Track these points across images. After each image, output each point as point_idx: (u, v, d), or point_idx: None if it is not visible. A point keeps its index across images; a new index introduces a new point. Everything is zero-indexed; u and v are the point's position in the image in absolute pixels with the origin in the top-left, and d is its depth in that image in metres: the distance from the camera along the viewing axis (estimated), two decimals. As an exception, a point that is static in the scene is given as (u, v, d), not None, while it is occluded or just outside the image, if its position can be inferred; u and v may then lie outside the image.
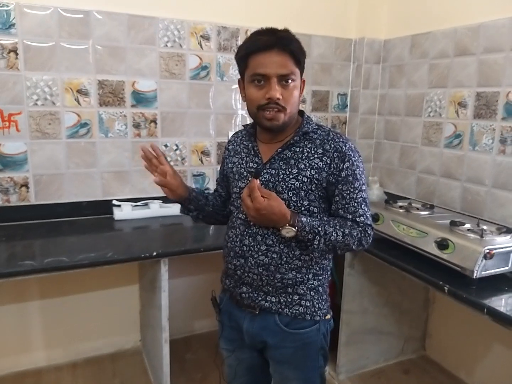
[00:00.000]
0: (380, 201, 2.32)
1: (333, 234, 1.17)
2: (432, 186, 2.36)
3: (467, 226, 1.77)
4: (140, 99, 2.22)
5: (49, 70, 2.02)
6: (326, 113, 2.74)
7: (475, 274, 1.51)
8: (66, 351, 2.34)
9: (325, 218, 1.23)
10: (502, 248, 1.56)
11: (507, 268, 1.59)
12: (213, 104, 2.40)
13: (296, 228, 1.14)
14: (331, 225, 1.18)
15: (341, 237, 1.18)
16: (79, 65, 2.07)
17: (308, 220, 1.16)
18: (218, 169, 1.54)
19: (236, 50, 1.23)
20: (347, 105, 2.78)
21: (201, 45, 2.30)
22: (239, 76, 1.26)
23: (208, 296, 1.44)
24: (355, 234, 1.19)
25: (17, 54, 1.95)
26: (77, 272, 1.73)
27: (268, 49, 1.13)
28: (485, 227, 1.76)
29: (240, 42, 2.27)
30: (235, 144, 1.38)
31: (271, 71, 1.13)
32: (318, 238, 1.16)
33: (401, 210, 2.02)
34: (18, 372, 2.23)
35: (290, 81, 1.15)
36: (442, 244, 1.64)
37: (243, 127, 1.39)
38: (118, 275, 2.37)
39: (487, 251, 1.51)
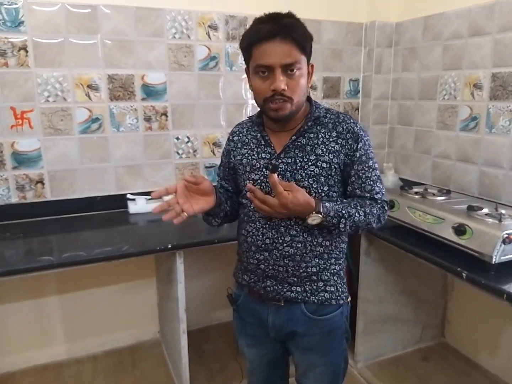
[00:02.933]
0: (395, 187, 2.29)
1: (356, 215, 1.17)
2: (448, 171, 2.32)
3: (485, 210, 1.73)
4: (150, 92, 2.22)
5: (59, 66, 2.03)
6: (338, 100, 2.70)
7: (494, 260, 1.47)
8: (86, 344, 2.38)
9: (344, 200, 1.23)
10: (522, 232, 1.52)
11: (527, 252, 1.55)
12: (223, 95, 2.38)
13: (322, 214, 1.13)
14: (352, 206, 1.18)
15: (363, 217, 1.18)
16: (88, 60, 2.07)
17: (331, 205, 1.16)
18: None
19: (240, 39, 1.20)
20: (359, 91, 2.74)
21: (209, 35, 2.28)
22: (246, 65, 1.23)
23: (224, 286, 1.44)
24: (375, 211, 1.21)
25: (27, 51, 1.96)
26: (95, 266, 1.75)
27: (271, 39, 1.08)
28: (503, 211, 1.72)
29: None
30: (241, 135, 1.34)
31: (275, 61, 1.09)
32: (344, 221, 1.16)
33: (416, 196, 1.98)
34: (39, 365, 2.28)
35: (295, 70, 1.12)
36: (460, 230, 1.61)
37: (248, 118, 1.36)
38: (136, 268, 2.40)
39: (506, 235, 1.48)
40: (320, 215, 1.13)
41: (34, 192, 2.10)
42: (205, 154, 2.42)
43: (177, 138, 2.33)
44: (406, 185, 2.17)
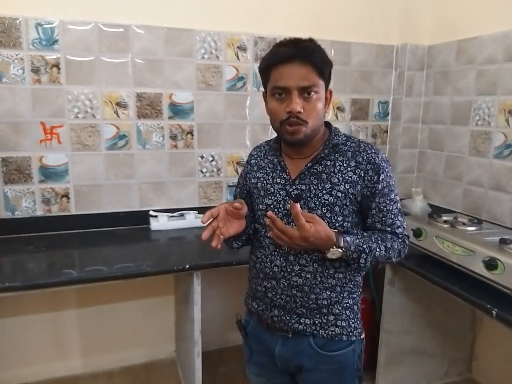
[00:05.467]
0: (424, 214, 2.21)
1: (377, 250, 1.12)
2: (480, 199, 2.22)
3: (519, 244, 1.64)
4: (177, 111, 2.24)
5: (90, 84, 2.07)
6: (366, 122, 2.66)
7: (527, 298, 1.39)
8: (102, 359, 2.37)
9: (365, 233, 1.17)
10: (559, 270, 1.43)
11: None
12: (249, 115, 2.38)
13: (343, 249, 1.09)
14: (373, 240, 1.13)
15: (384, 252, 1.13)
16: (118, 79, 2.11)
17: (352, 239, 1.11)
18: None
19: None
20: (388, 113, 2.69)
21: (237, 56, 2.29)
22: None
23: (241, 308, 1.40)
24: (396, 246, 1.16)
25: (59, 68, 2.01)
26: (114, 282, 1.75)
27: (289, 61, 1.08)
28: (538, 246, 1.63)
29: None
30: (258, 158, 1.31)
31: (292, 84, 1.08)
32: (364, 256, 1.11)
33: (445, 225, 1.90)
34: (56, 378, 2.28)
35: (312, 93, 1.10)
36: (491, 264, 1.52)
37: (265, 143, 1.34)
38: (155, 285, 2.38)
39: (541, 273, 1.39)
40: (340, 250, 1.08)
41: (59, 206, 2.13)
42: (229, 173, 2.41)
43: (202, 157, 2.33)
44: (435, 212, 2.08)
